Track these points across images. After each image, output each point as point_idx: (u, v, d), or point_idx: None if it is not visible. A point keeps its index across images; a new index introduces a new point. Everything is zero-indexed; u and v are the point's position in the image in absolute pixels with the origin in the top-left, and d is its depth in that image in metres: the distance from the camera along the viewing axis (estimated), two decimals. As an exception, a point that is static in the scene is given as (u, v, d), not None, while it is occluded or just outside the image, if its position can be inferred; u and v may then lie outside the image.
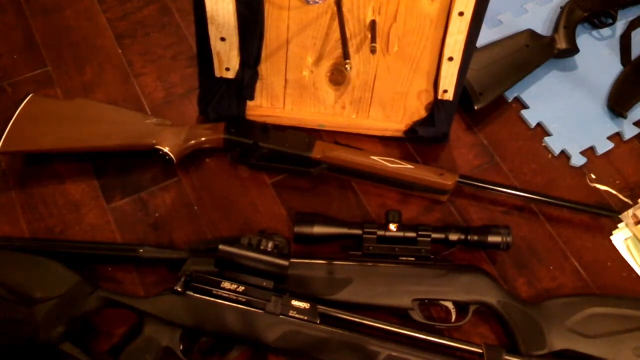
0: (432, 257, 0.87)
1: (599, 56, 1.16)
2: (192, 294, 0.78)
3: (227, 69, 0.94)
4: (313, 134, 0.99)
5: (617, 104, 1.08)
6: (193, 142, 0.95)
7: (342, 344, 0.77)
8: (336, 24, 0.87)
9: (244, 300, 0.78)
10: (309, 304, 0.78)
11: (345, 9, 0.85)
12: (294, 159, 0.95)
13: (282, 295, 0.78)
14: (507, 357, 0.78)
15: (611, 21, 1.18)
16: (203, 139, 0.95)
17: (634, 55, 1.14)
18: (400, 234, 0.87)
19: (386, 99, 0.98)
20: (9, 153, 0.94)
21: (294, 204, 0.96)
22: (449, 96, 0.95)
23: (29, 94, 0.96)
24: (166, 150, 0.93)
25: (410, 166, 0.94)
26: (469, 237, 0.88)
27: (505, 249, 0.89)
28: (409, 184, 0.95)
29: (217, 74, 0.95)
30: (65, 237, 0.91)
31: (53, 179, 0.95)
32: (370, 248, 0.87)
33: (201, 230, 0.93)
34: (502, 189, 0.96)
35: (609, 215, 0.97)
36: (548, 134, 1.06)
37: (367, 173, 0.95)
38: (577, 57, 1.14)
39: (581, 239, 0.96)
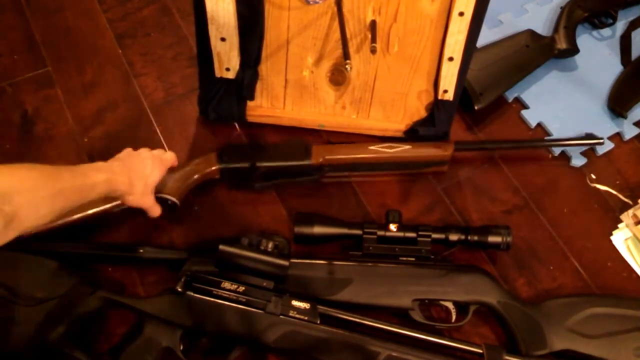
0: (432, 257, 0.87)
1: (599, 56, 1.16)
2: (192, 294, 0.78)
3: (227, 69, 0.94)
4: (309, 137, 0.99)
5: (617, 104, 1.08)
6: (189, 181, 0.92)
7: (342, 344, 0.77)
8: (336, 24, 0.87)
9: (244, 300, 0.77)
10: (309, 304, 0.78)
11: (345, 9, 0.85)
12: (295, 169, 0.95)
13: (282, 295, 0.78)
14: (507, 357, 0.78)
15: (611, 21, 1.18)
16: (196, 176, 0.92)
17: (634, 55, 1.14)
18: (400, 234, 0.87)
19: (386, 99, 0.98)
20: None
21: (294, 204, 0.96)
22: (449, 96, 0.95)
23: None
24: (168, 196, 0.89)
25: (408, 146, 0.96)
26: (469, 237, 0.88)
27: (505, 249, 0.89)
28: (412, 164, 0.97)
29: (217, 74, 0.95)
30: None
31: (53, 179, 0.95)
32: (370, 248, 0.86)
33: (201, 230, 0.93)
34: (496, 145, 1.02)
35: (594, 144, 1.02)
36: (548, 134, 1.06)
37: (370, 164, 0.95)
38: (577, 57, 1.14)
39: (581, 239, 0.96)
